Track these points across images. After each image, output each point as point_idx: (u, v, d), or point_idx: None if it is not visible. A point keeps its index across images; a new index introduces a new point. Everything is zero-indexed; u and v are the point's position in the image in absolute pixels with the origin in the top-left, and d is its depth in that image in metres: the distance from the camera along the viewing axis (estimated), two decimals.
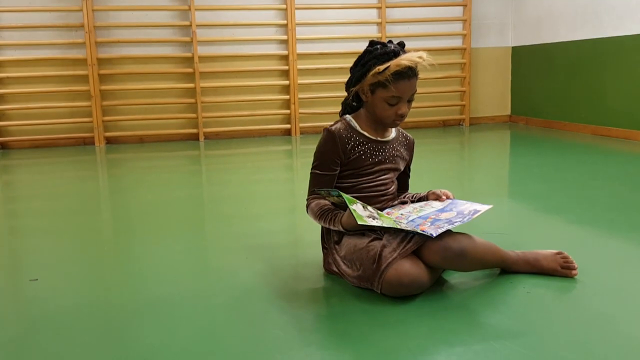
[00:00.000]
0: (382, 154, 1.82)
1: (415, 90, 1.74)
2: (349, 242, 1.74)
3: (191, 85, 5.71)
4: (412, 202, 1.90)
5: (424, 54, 1.70)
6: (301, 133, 6.05)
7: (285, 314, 1.58)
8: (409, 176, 1.99)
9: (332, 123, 1.83)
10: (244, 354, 1.37)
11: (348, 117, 1.85)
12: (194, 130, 5.83)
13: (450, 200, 1.81)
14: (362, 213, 1.56)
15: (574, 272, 1.74)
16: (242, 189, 3.67)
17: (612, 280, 1.75)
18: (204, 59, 5.73)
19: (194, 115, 5.78)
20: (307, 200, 1.85)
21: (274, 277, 1.86)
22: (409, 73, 1.68)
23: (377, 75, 1.67)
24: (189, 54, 5.69)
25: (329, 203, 1.77)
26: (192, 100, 5.74)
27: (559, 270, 1.74)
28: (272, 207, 3.07)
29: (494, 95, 6.57)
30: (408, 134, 1.96)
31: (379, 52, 1.70)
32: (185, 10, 5.61)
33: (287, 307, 1.62)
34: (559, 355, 1.31)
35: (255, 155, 5.24)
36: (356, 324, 1.50)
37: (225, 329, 1.51)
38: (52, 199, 3.50)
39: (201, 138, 5.83)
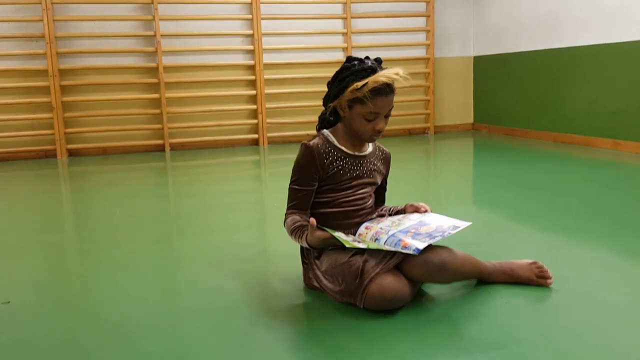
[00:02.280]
0: (360, 168, 1.84)
1: (392, 106, 1.77)
2: (330, 257, 1.74)
3: (156, 95, 5.64)
4: (390, 215, 1.92)
5: (400, 71, 1.72)
6: (269, 143, 6.03)
7: (270, 333, 1.57)
8: (385, 189, 2.01)
9: (309, 138, 1.83)
10: None
11: (326, 131, 1.86)
12: (160, 142, 5.74)
13: (429, 213, 1.83)
14: (346, 238, 1.58)
15: (549, 281, 1.78)
16: (211, 201, 3.64)
17: (586, 288, 1.80)
18: (169, 69, 5.66)
19: (159, 126, 5.70)
20: (285, 214, 1.85)
21: (254, 294, 1.85)
22: (386, 89, 1.70)
23: (355, 91, 1.69)
24: (153, 64, 5.62)
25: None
26: (157, 111, 5.67)
27: (535, 280, 1.79)
28: (243, 219, 3.05)
29: (457, 103, 6.70)
30: (384, 148, 1.98)
31: (356, 68, 1.71)
32: (150, 20, 5.55)
33: (271, 325, 1.61)
34: None
35: (223, 166, 5.20)
36: (342, 340, 1.50)
37: (207, 352, 1.49)
38: (12, 214, 3.40)
39: (167, 149, 5.75)
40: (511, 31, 5.92)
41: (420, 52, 6.41)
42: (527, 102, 5.78)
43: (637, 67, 4.37)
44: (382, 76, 1.68)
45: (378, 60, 1.77)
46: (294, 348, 1.49)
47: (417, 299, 1.72)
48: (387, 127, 1.71)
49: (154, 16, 5.51)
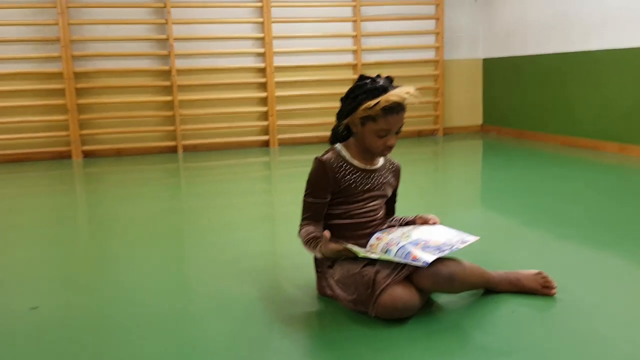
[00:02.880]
0: (371, 181, 1.91)
1: (403, 123, 1.84)
2: (342, 267, 1.82)
3: (169, 98, 5.73)
4: (400, 225, 2.00)
5: (411, 89, 1.79)
6: (279, 144, 6.12)
7: (284, 339, 1.65)
8: (395, 201, 2.09)
9: (323, 153, 1.90)
10: None
11: (338, 146, 1.94)
12: (172, 143, 5.84)
13: (437, 226, 1.91)
14: (359, 249, 1.66)
15: (553, 291, 1.85)
16: (222, 201, 3.75)
17: (590, 297, 1.87)
18: (181, 72, 5.75)
19: (172, 128, 5.80)
20: (299, 225, 1.92)
21: (269, 300, 1.93)
22: (398, 108, 1.78)
23: (367, 109, 1.76)
24: (166, 67, 5.71)
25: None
26: (170, 113, 5.77)
27: (540, 290, 1.86)
28: (255, 223, 3.14)
29: (466, 105, 6.75)
30: (394, 161, 2.05)
31: (369, 87, 1.79)
32: (163, 24, 5.64)
33: (286, 332, 1.69)
34: None
35: (234, 167, 5.29)
36: (354, 348, 1.58)
37: (224, 357, 1.57)
38: (29, 213, 3.51)
39: (179, 151, 5.85)
40: (520, 34, 5.96)
41: (430, 55, 6.46)
42: (536, 104, 5.82)
43: None
44: (393, 95, 1.75)
45: (389, 79, 1.85)
46: (308, 354, 1.57)
47: (426, 307, 1.79)
48: None
49: (167, 20, 5.60)
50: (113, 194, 4.21)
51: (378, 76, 1.86)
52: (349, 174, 1.87)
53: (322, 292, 1.91)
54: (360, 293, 1.73)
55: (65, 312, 1.91)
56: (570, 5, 5.21)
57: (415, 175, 4.51)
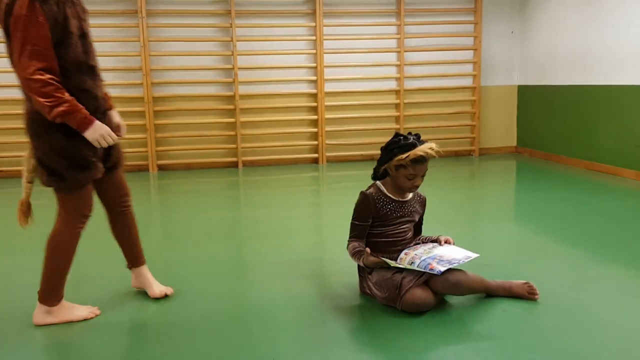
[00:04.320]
0: (402, 210, 2.57)
1: (427, 169, 2.50)
2: (378, 273, 2.49)
3: (232, 119, 6.52)
4: (424, 242, 2.65)
5: (434, 145, 2.45)
6: (327, 161, 6.82)
7: (336, 323, 2.33)
8: (422, 224, 2.74)
9: (367, 188, 2.58)
10: (316, 346, 2.13)
11: (378, 183, 2.61)
12: (234, 159, 6.63)
13: (451, 245, 2.56)
14: (391, 262, 2.33)
15: (536, 296, 2.48)
16: (277, 212, 4.49)
17: (567, 302, 2.48)
18: (243, 97, 6.54)
19: (234, 145, 6.59)
20: (348, 240, 2.60)
21: (324, 296, 2.62)
22: (422, 159, 2.43)
23: (399, 160, 2.43)
24: (230, 93, 6.50)
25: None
26: (233, 133, 6.55)
27: (526, 295, 2.48)
28: (306, 231, 3.86)
29: (502, 128, 7.29)
30: (421, 193, 2.71)
31: (401, 143, 2.45)
32: (229, 55, 6.44)
33: (337, 318, 2.38)
34: (522, 352, 2.05)
35: (287, 181, 6.03)
36: (384, 330, 2.25)
37: (294, 334, 2.27)
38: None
39: (240, 166, 6.62)
40: (551, 65, 6.49)
41: (467, 82, 7.05)
42: (563, 130, 6.34)
43: None
44: (419, 150, 2.41)
45: (417, 136, 2.51)
46: (352, 334, 2.25)
47: (439, 305, 2.44)
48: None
49: (232, 52, 6.40)
50: (183, 202, 5.00)
51: (410, 133, 2.52)
52: (386, 205, 2.54)
53: (363, 291, 2.59)
54: (390, 293, 2.40)
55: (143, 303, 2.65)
56: (594, 42, 5.72)
57: (452, 192, 5.15)
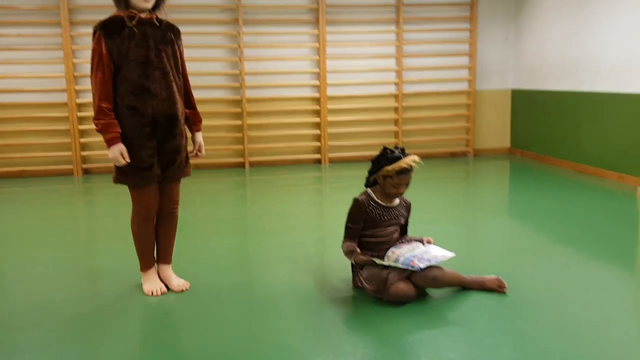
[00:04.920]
0: (390, 214, 2.95)
1: (411, 178, 2.87)
2: (368, 269, 2.87)
3: (239, 122, 6.91)
4: (409, 242, 3.02)
5: (416, 158, 2.82)
6: (329, 162, 7.20)
7: (332, 311, 2.72)
8: (407, 225, 3.11)
9: (359, 195, 2.95)
10: (315, 330, 2.52)
11: (369, 190, 2.98)
12: (241, 159, 7.02)
13: (432, 245, 2.93)
14: (379, 260, 2.72)
15: (505, 289, 2.85)
16: (280, 209, 4.89)
17: (534, 295, 2.85)
18: (250, 100, 6.92)
19: (241, 147, 6.98)
20: (342, 241, 2.98)
21: (322, 288, 3.01)
22: (406, 170, 2.81)
23: (387, 171, 2.81)
24: (238, 97, 6.89)
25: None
26: (240, 135, 6.94)
27: (496, 289, 2.86)
28: (308, 227, 4.25)
29: (496, 130, 7.65)
30: (406, 199, 3.08)
31: (388, 156, 2.83)
32: (236, 61, 6.82)
33: (333, 307, 2.76)
34: (485, 336, 2.43)
35: (291, 180, 6.43)
36: (372, 317, 2.63)
37: (295, 321, 2.65)
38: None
39: (247, 166, 7.01)
40: (541, 71, 6.84)
41: (463, 86, 7.41)
42: (553, 133, 6.69)
43: (638, 116, 5.25)
44: (403, 163, 2.79)
45: (402, 150, 2.88)
46: (345, 320, 2.63)
47: (421, 296, 2.82)
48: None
49: (240, 58, 6.77)
50: (192, 200, 5.38)
51: (396, 147, 2.90)
52: (375, 210, 2.92)
53: (355, 284, 2.97)
54: (378, 286, 2.78)
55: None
56: (581, 51, 6.07)
57: (447, 190, 5.53)
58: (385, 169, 2.81)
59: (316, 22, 6.91)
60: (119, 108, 2.70)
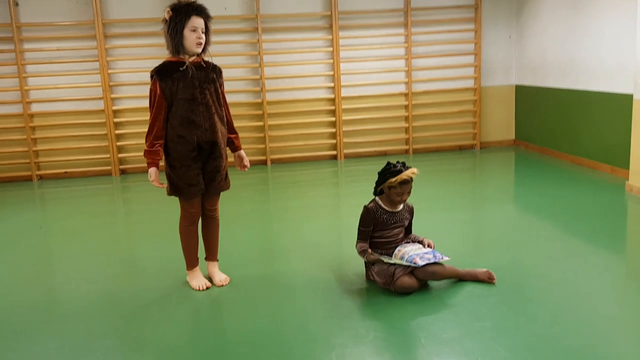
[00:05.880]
0: (395, 218, 3.49)
1: (411, 187, 3.41)
2: (378, 265, 3.42)
3: (261, 123, 7.47)
4: (413, 241, 3.57)
5: (415, 170, 3.36)
6: (345, 157, 7.74)
7: (348, 300, 3.29)
8: (411, 226, 3.65)
9: (369, 202, 3.50)
10: (334, 317, 3.09)
11: (377, 198, 3.52)
12: (263, 157, 7.59)
13: (431, 249, 3.47)
14: (386, 258, 3.28)
15: (494, 281, 3.40)
16: (301, 203, 5.51)
17: (518, 287, 3.39)
18: (270, 103, 7.46)
19: (262, 146, 7.54)
20: (356, 242, 3.53)
21: (340, 280, 3.57)
22: (408, 181, 3.34)
23: (390, 183, 3.35)
24: (259, 100, 7.44)
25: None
26: (261, 135, 7.50)
27: (487, 280, 3.40)
28: (326, 220, 4.83)
29: (501, 123, 8.12)
30: (409, 204, 3.62)
31: (391, 170, 3.36)
32: (256, 67, 7.35)
33: (349, 297, 3.33)
34: (474, 320, 2.98)
35: (309, 175, 6.99)
36: (383, 305, 3.19)
37: (317, 308, 3.23)
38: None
39: (268, 163, 7.58)
40: (542, 69, 7.27)
41: (469, 83, 7.87)
42: (553, 127, 7.14)
43: (628, 115, 5.70)
44: (404, 175, 3.32)
45: (403, 164, 3.41)
46: (359, 308, 3.19)
47: (423, 287, 3.37)
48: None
49: (260, 64, 7.31)
50: (223, 195, 5.93)
51: (398, 162, 3.43)
52: (382, 215, 3.47)
53: (367, 278, 3.54)
54: (386, 279, 3.33)
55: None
56: (577, 53, 6.50)
57: (456, 182, 6.07)
58: (389, 180, 3.35)
59: (330, 28, 7.40)
60: (171, 136, 3.29)
